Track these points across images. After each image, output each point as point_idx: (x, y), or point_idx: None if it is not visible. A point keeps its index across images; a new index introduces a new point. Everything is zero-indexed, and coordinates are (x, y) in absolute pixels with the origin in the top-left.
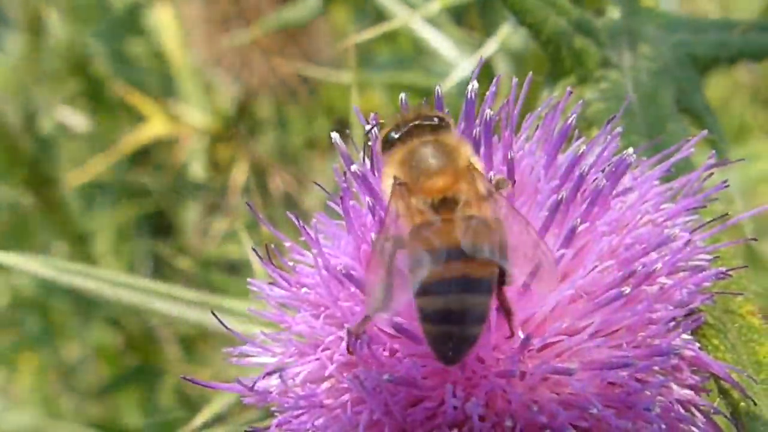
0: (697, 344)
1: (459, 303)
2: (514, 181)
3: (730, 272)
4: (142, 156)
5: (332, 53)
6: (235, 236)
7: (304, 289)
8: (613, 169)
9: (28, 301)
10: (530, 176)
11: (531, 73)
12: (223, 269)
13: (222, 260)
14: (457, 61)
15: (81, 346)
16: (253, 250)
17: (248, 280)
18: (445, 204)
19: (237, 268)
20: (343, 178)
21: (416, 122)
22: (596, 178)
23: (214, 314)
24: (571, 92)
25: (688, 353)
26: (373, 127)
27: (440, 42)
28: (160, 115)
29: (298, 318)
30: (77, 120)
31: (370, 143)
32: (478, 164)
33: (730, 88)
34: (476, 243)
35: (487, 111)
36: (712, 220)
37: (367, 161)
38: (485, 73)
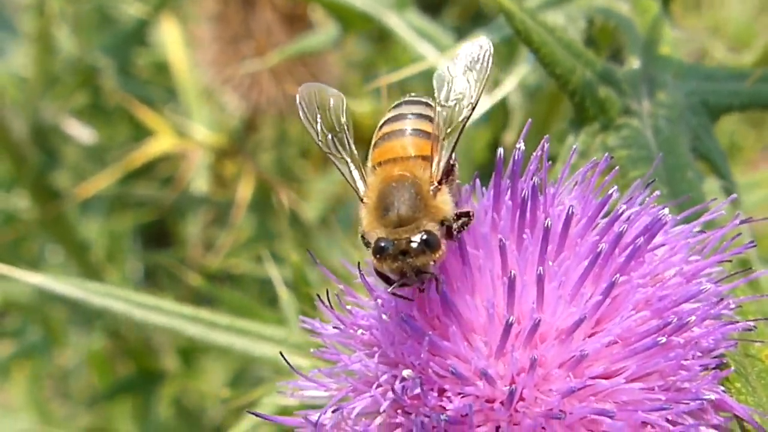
0: (722, 387)
1: None
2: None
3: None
4: (144, 168)
5: (339, 72)
6: (236, 252)
7: (360, 331)
8: (649, 228)
9: (27, 308)
10: (572, 231)
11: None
12: (224, 282)
13: (222, 274)
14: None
15: (75, 353)
16: (317, 296)
17: (300, 317)
18: None
19: (234, 280)
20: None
21: None
22: (635, 238)
23: (282, 355)
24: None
25: (713, 396)
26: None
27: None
28: (167, 131)
29: (354, 357)
30: (84, 132)
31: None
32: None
33: None
34: None
35: (534, 179)
36: (735, 273)
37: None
38: (499, 104)
